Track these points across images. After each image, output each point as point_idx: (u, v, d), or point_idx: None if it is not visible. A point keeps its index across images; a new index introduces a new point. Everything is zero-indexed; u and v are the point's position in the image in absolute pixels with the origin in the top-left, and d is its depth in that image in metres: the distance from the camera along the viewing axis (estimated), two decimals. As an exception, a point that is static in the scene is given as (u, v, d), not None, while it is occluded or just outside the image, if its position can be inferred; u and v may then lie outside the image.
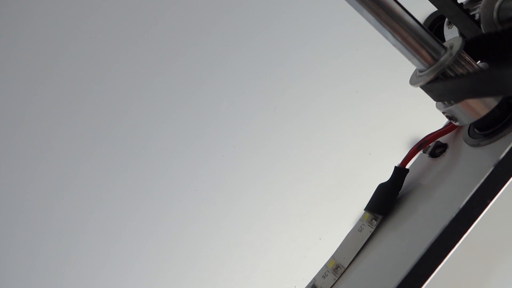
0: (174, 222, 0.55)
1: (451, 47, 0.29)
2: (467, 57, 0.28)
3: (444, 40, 0.34)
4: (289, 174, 0.55)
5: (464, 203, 0.27)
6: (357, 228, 0.40)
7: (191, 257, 0.55)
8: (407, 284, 0.27)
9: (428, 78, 0.28)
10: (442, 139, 0.40)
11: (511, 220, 0.27)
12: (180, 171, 0.55)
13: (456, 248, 0.26)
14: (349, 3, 0.28)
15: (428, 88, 0.29)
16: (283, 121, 0.56)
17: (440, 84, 0.28)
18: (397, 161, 0.40)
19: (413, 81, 0.30)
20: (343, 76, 0.56)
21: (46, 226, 0.54)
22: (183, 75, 0.57)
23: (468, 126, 0.35)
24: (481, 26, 0.31)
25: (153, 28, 0.57)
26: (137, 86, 0.56)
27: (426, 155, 0.41)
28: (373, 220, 0.39)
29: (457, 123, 0.31)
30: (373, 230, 0.38)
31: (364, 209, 0.41)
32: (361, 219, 0.40)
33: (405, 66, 0.35)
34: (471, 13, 0.33)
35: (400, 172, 0.40)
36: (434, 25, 0.47)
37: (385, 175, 0.40)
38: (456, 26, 0.32)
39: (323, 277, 0.40)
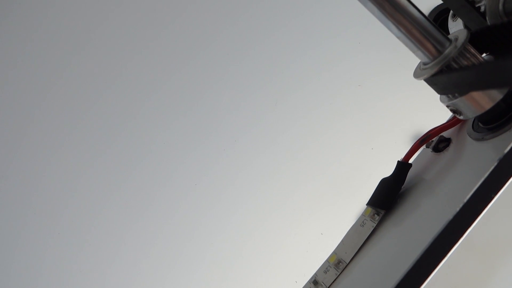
0: (174, 217, 0.55)
1: (456, 39, 0.29)
2: (472, 50, 0.28)
3: (448, 34, 0.34)
4: (290, 168, 0.55)
5: (468, 197, 0.27)
6: (359, 223, 0.40)
7: (191, 252, 0.55)
8: (410, 280, 0.27)
9: (433, 71, 0.28)
10: (445, 134, 0.40)
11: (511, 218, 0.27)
12: (180, 165, 0.55)
13: (458, 246, 0.26)
14: (353, -6, 0.28)
15: (432, 81, 0.29)
16: (285, 116, 0.56)
17: (445, 77, 0.28)
18: (400, 156, 0.40)
19: (417, 74, 0.30)
20: (345, 70, 0.55)
21: (49, 224, 0.54)
22: (184, 69, 0.56)
23: (472, 120, 0.35)
24: (487, 18, 0.31)
25: (153, 20, 0.57)
26: (137, 79, 0.56)
27: (429, 149, 0.41)
28: (376, 215, 0.39)
29: (461, 117, 0.31)
30: (375, 225, 0.39)
31: (366, 204, 0.41)
32: (363, 214, 0.40)
33: (408, 59, 0.35)
34: (476, 5, 0.33)
35: (403, 166, 0.40)
36: (438, 18, 0.47)
37: (388, 170, 0.40)
38: (461, 19, 0.32)
39: (325, 272, 0.40)
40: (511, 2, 0.30)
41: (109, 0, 0.57)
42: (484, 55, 0.31)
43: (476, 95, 0.29)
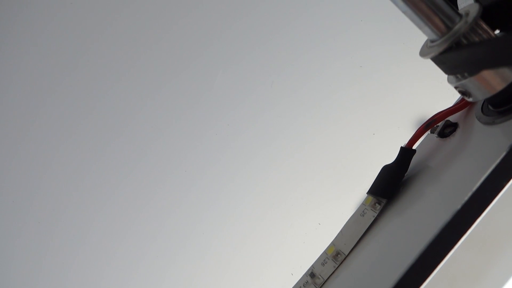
0: (162, 206, 0.54)
1: (467, 14, 0.27)
2: (484, 25, 0.27)
3: (457, 9, 0.32)
4: (286, 155, 0.54)
5: (477, 185, 0.26)
6: (359, 213, 0.39)
7: (182, 243, 0.54)
8: (414, 274, 0.26)
9: (441, 48, 0.27)
10: (452, 118, 0.39)
11: (510, 209, 0.26)
12: (169, 150, 0.54)
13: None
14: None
15: (440, 59, 0.28)
16: (281, 98, 0.54)
17: (454, 54, 0.26)
18: (403, 142, 0.39)
19: (424, 52, 0.29)
20: (346, 50, 0.54)
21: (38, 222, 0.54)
22: (173, 47, 0.55)
23: (482, 102, 0.34)
24: (500, -9, 0.29)
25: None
26: (123, 59, 0.55)
27: (435, 135, 0.40)
28: (377, 204, 0.38)
29: (470, 99, 0.29)
30: (376, 215, 0.38)
31: (367, 193, 0.40)
32: (363, 203, 0.40)
33: (414, 39, 0.33)
34: (489, -22, 0.31)
35: (406, 153, 0.39)
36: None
37: (390, 157, 0.39)
38: (472, -8, 0.31)
39: (322, 264, 0.39)
40: (527, -27, 0.28)
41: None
42: (496, 31, 0.29)
43: (487, 75, 0.27)
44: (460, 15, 0.28)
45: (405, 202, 0.36)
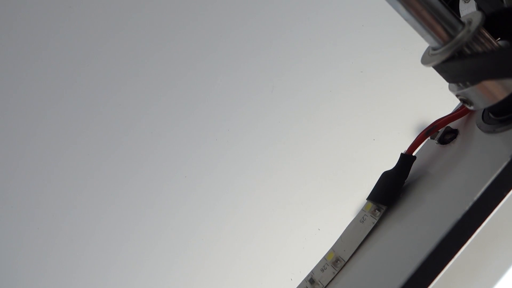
0: (162, 211, 0.54)
1: (470, 22, 0.27)
2: (486, 34, 0.27)
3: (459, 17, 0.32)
4: (286, 160, 0.54)
5: (479, 195, 0.26)
6: (359, 219, 0.39)
7: (181, 248, 0.54)
8: (415, 283, 0.26)
9: (443, 57, 0.27)
10: (452, 125, 0.39)
11: (506, 206, 0.26)
12: (169, 155, 0.54)
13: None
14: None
15: (442, 68, 0.28)
16: (281, 103, 0.54)
17: (457, 64, 0.26)
18: (404, 148, 0.39)
19: (425, 60, 0.29)
20: (347, 55, 0.54)
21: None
22: (173, 51, 0.55)
23: (482, 110, 0.34)
24: None
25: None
26: (122, 60, 0.54)
27: (435, 141, 0.40)
28: (377, 211, 0.38)
29: (471, 107, 0.29)
30: (376, 221, 0.38)
31: (366, 199, 0.40)
32: (363, 209, 0.40)
33: (415, 44, 0.33)
34: (491, -14, 0.31)
35: (406, 159, 0.39)
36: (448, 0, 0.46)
37: (390, 163, 0.39)
38: (475, 0, 0.31)
39: (322, 270, 0.39)
40: (530, -18, 0.28)
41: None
42: (498, 39, 0.29)
43: (489, 84, 0.28)
44: (462, 24, 0.28)
45: (405, 209, 0.36)
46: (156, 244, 0.54)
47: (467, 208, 0.26)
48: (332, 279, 0.38)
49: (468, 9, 0.35)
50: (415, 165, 0.39)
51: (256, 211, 0.54)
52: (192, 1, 0.54)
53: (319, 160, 0.54)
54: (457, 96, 0.30)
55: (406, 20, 0.28)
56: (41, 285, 0.54)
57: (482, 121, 0.33)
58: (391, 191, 0.39)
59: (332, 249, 0.40)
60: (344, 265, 0.38)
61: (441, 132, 0.39)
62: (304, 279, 0.40)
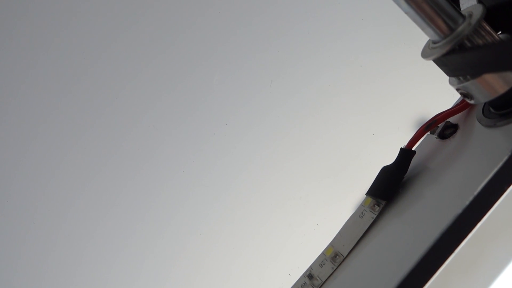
0: (159, 207, 0.54)
1: (470, 15, 0.27)
2: (487, 27, 0.27)
3: (460, 9, 0.32)
4: (285, 155, 0.54)
5: (479, 190, 0.26)
6: (358, 214, 0.39)
7: (179, 244, 0.54)
8: (415, 278, 0.25)
9: (444, 50, 0.27)
10: (452, 119, 0.39)
11: (506, 201, 0.26)
12: (167, 150, 0.54)
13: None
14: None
15: (442, 61, 0.28)
16: (280, 97, 0.54)
17: (457, 57, 0.26)
18: (403, 142, 0.38)
19: (425, 54, 0.29)
20: (346, 49, 0.54)
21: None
22: (171, 47, 0.54)
23: (483, 104, 0.34)
24: (504, -8, 0.29)
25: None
26: (121, 55, 0.54)
27: (435, 136, 0.40)
28: (376, 206, 0.38)
29: (472, 101, 0.29)
30: (375, 216, 0.38)
31: (366, 194, 0.40)
32: (362, 205, 0.39)
33: (415, 38, 0.33)
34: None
35: (406, 154, 0.39)
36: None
37: (390, 158, 0.39)
38: (476, -8, 0.30)
39: (321, 265, 0.39)
40: (531, -26, 0.28)
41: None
42: (499, 33, 0.29)
43: (490, 78, 0.27)
44: (463, 16, 0.28)
45: (405, 204, 0.36)
46: (154, 240, 0.54)
47: (467, 203, 0.26)
48: (331, 274, 0.38)
49: (468, 2, 0.34)
50: (414, 160, 0.39)
51: (255, 207, 0.54)
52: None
53: (317, 155, 0.54)
54: (457, 90, 0.30)
55: (406, 13, 0.28)
56: (41, 285, 0.54)
57: (483, 115, 0.33)
58: (390, 186, 0.38)
59: (331, 244, 0.39)
60: (343, 260, 0.38)
61: (441, 126, 0.39)
62: (303, 275, 0.40)
